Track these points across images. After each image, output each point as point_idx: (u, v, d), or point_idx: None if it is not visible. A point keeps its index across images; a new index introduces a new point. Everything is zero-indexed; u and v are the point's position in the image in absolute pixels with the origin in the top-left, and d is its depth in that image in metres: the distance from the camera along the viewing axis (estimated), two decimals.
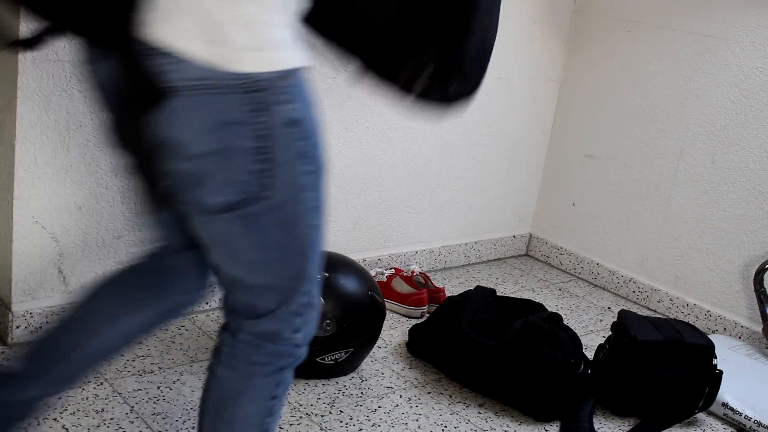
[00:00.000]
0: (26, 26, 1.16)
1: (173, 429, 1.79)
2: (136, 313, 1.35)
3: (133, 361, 2.03)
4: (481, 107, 2.82)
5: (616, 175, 2.90)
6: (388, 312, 2.40)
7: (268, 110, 1.06)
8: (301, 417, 1.90)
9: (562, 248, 3.09)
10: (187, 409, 1.86)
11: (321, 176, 1.18)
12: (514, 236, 3.15)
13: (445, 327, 2.17)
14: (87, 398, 1.85)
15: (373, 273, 2.51)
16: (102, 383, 1.91)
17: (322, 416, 1.92)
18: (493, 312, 2.23)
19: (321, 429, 1.87)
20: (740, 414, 2.12)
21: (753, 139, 2.54)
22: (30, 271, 1.99)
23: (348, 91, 2.42)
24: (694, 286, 2.71)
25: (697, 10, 2.64)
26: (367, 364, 2.18)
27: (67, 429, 1.73)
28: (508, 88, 2.88)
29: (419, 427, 1.95)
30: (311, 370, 2.03)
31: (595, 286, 2.98)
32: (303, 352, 1.30)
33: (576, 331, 2.22)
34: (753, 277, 2.52)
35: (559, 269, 3.10)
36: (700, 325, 2.68)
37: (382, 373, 2.15)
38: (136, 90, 1.04)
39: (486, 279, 2.92)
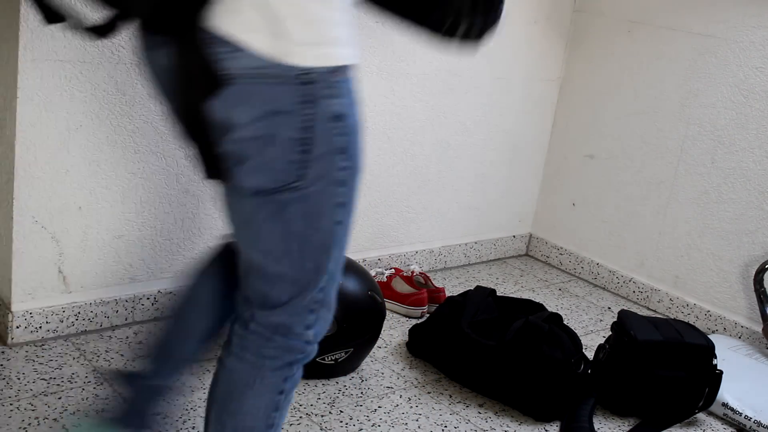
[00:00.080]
0: (95, 14, 1.19)
1: (173, 429, 1.78)
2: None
3: (133, 361, 2.03)
4: (481, 107, 2.82)
5: (616, 175, 2.90)
6: (388, 312, 2.41)
7: (315, 103, 1.10)
8: (301, 417, 1.90)
9: (562, 248, 3.10)
10: (187, 409, 1.86)
11: (356, 174, 1.20)
12: (514, 236, 3.15)
13: (445, 327, 2.17)
14: (87, 398, 1.85)
15: (373, 273, 2.51)
16: (102, 383, 1.91)
17: (322, 416, 1.92)
18: (493, 312, 2.23)
19: (321, 429, 1.87)
20: (740, 414, 2.12)
21: (753, 139, 2.54)
22: (30, 271, 1.99)
23: None
24: (694, 286, 2.71)
25: (697, 10, 2.64)
26: (367, 364, 2.18)
27: (67, 429, 1.73)
28: (508, 88, 2.88)
29: (419, 427, 1.95)
30: (311, 370, 2.03)
31: (595, 286, 2.98)
32: (313, 350, 1.31)
33: (576, 331, 2.22)
34: (753, 277, 2.52)
35: (559, 269, 3.10)
36: (700, 325, 2.68)
37: (382, 373, 2.16)
38: (195, 76, 1.09)
39: (486, 279, 2.92)
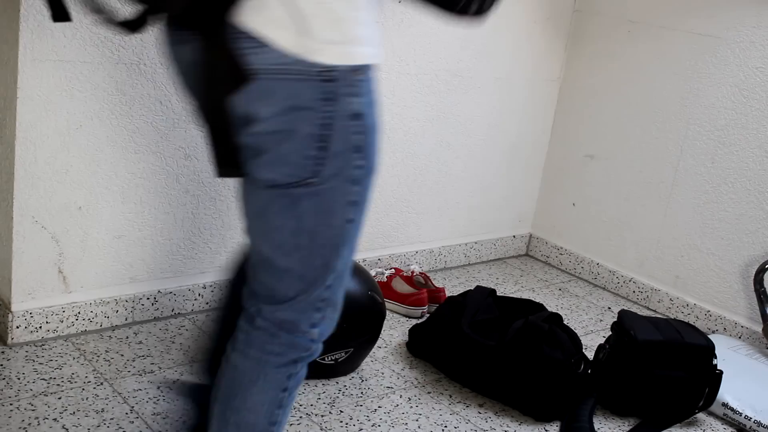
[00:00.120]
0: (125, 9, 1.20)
1: (173, 429, 1.78)
2: None
3: (133, 361, 2.03)
4: (480, 107, 2.82)
5: (616, 175, 2.90)
6: (388, 312, 2.41)
7: (335, 100, 1.12)
8: (301, 417, 1.90)
9: (562, 248, 3.09)
10: (187, 409, 1.86)
11: (370, 174, 1.21)
12: (514, 236, 3.15)
13: (445, 327, 2.17)
14: (87, 398, 1.85)
15: (373, 273, 2.51)
16: (102, 383, 1.91)
17: (322, 416, 1.92)
18: (493, 312, 2.23)
19: (321, 429, 1.87)
20: (740, 414, 2.12)
21: (753, 139, 2.54)
22: (30, 271, 1.99)
23: None
24: (694, 286, 2.71)
25: (697, 10, 2.64)
26: (367, 364, 2.18)
27: (67, 429, 1.73)
28: (507, 88, 2.88)
29: (419, 427, 1.95)
30: (311, 370, 2.02)
31: (595, 286, 2.98)
32: (318, 349, 1.31)
33: (576, 331, 2.22)
34: (753, 277, 2.52)
35: (559, 269, 3.10)
36: (700, 325, 2.68)
37: (382, 373, 2.15)
38: (221, 71, 1.10)
39: (486, 279, 2.92)
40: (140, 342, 2.11)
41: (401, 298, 2.51)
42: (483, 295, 2.28)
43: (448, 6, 1.23)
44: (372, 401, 2.02)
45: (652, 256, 2.82)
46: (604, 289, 2.96)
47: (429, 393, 2.10)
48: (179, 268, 2.24)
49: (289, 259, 1.22)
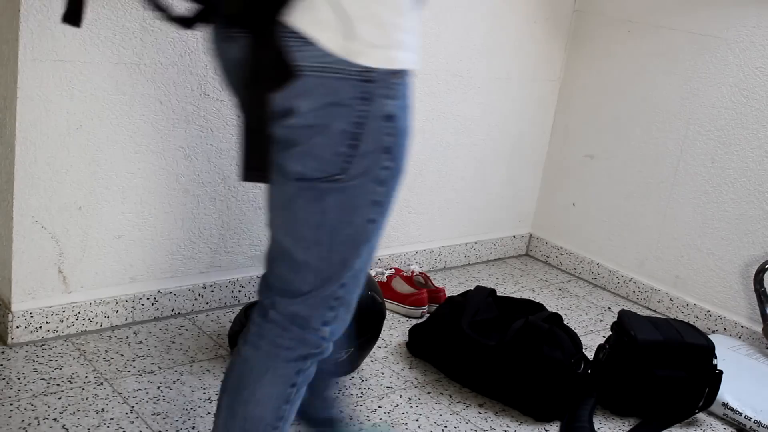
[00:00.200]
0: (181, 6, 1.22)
1: (173, 429, 1.78)
2: None
3: (133, 361, 2.03)
4: (481, 107, 2.82)
5: (616, 175, 2.90)
6: (388, 312, 2.40)
7: (371, 100, 1.15)
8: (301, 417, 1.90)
9: (562, 248, 3.09)
10: (187, 409, 1.86)
11: (397, 176, 1.22)
12: (514, 236, 3.15)
13: (445, 327, 2.17)
14: (87, 398, 1.85)
15: (373, 273, 2.51)
16: (102, 383, 1.91)
17: None
18: (493, 312, 2.23)
19: None
20: (740, 414, 2.12)
21: (753, 139, 2.54)
22: (30, 271, 1.99)
23: None
24: (694, 286, 2.71)
25: (697, 10, 2.64)
26: (367, 364, 2.18)
27: (67, 429, 1.73)
28: (508, 88, 2.88)
29: (419, 427, 1.95)
30: None
31: (595, 286, 2.98)
32: (328, 347, 1.32)
33: (576, 331, 2.22)
34: (753, 277, 2.52)
35: (559, 269, 3.10)
36: (700, 325, 2.68)
37: (382, 373, 2.15)
38: (267, 68, 1.13)
39: (486, 279, 2.92)
40: (140, 342, 2.11)
41: (401, 298, 2.51)
42: (483, 295, 2.28)
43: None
44: (372, 401, 2.02)
45: (652, 256, 2.82)
46: (604, 289, 2.96)
47: (429, 393, 2.10)
48: (179, 268, 2.24)
49: (308, 252, 1.24)
